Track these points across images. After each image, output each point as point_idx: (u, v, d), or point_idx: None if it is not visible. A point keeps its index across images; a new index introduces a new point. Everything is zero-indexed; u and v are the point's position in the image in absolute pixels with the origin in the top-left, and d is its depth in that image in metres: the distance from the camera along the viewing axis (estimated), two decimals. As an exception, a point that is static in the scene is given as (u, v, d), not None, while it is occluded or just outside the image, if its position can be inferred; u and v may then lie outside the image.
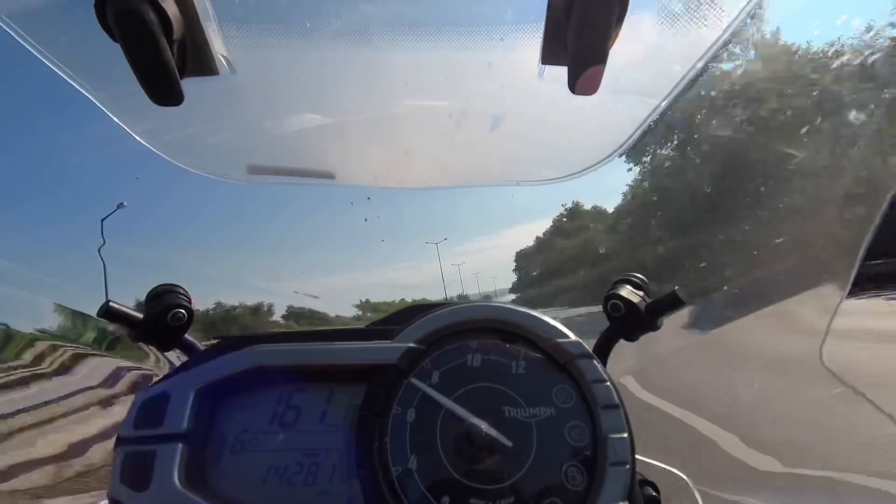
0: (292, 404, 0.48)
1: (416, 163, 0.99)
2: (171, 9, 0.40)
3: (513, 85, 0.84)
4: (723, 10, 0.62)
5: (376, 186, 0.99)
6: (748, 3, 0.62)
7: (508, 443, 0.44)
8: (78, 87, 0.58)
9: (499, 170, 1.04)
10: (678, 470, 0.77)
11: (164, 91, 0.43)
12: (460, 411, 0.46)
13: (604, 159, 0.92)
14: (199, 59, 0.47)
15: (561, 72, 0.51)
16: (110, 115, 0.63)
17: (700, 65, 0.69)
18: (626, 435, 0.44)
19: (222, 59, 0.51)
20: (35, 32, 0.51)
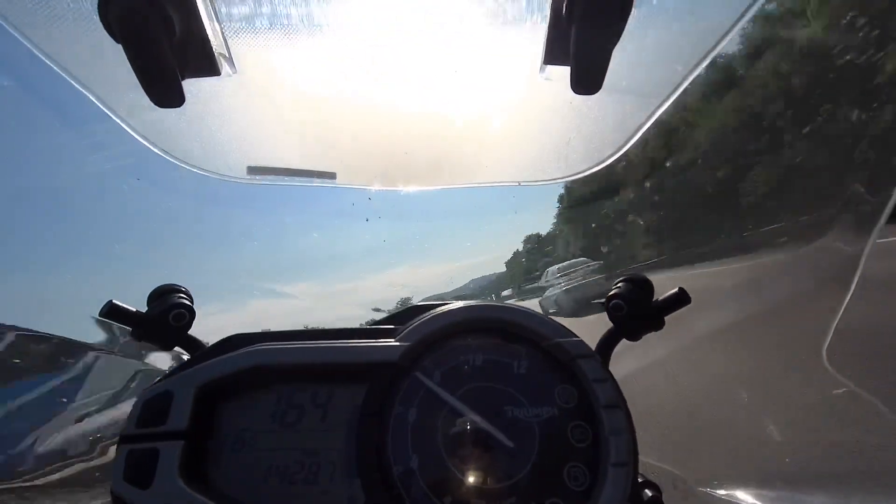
0: (294, 403, 0.48)
1: (417, 163, 0.99)
2: (173, 10, 0.40)
3: (515, 85, 0.83)
4: (725, 11, 0.62)
5: (378, 187, 0.99)
6: (751, 4, 0.61)
7: (510, 443, 0.44)
8: (79, 87, 0.58)
9: (501, 170, 1.04)
10: (680, 471, 0.77)
11: (166, 92, 0.43)
12: (463, 408, 0.46)
13: (605, 159, 0.92)
14: (200, 60, 0.47)
15: (563, 71, 0.51)
16: (111, 115, 0.63)
17: (703, 65, 0.69)
18: (627, 435, 0.44)
19: (223, 59, 0.51)
20: (36, 32, 0.51)
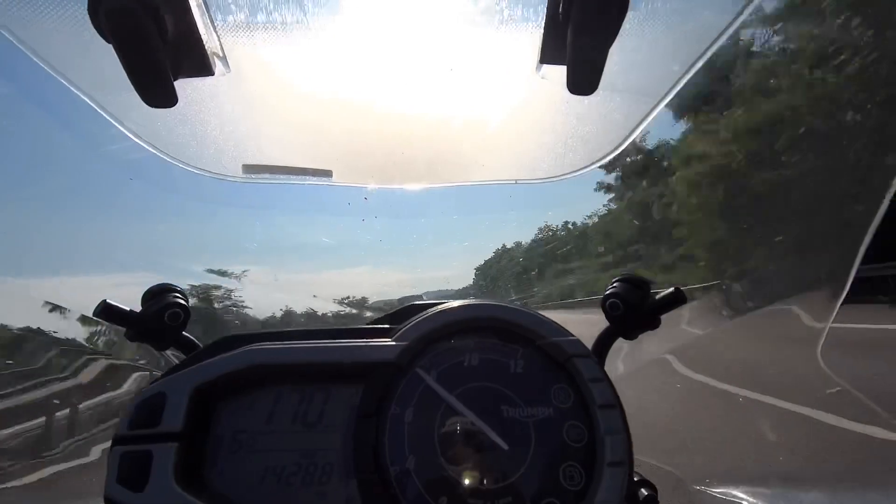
0: (290, 404, 0.48)
1: (414, 161, 0.98)
2: (165, 9, 0.40)
3: (511, 83, 0.83)
4: (721, 12, 0.62)
5: (374, 186, 0.99)
6: (746, 4, 0.61)
7: (505, 445, 0.44)
8: (71, 87, 0.57)
9: (497, 168, 1.04)
10: (676, 469, 0.77)
11: (158, 93, 0.42)
12: (460, 407, 0.46)
13: (601, 158, 0.92)
14: (193, 60, 0.46)
15: (560, 70, 0.51)
16: (104, 114, 0.63)
17: (698, 65, 0.69)
18: (623, 435, 0.44)
19: (217, 58, 0.50)
20: (28, 32, 0.50)
